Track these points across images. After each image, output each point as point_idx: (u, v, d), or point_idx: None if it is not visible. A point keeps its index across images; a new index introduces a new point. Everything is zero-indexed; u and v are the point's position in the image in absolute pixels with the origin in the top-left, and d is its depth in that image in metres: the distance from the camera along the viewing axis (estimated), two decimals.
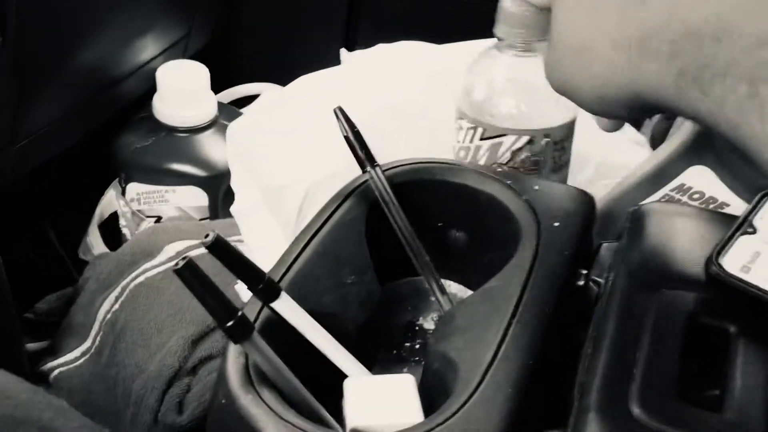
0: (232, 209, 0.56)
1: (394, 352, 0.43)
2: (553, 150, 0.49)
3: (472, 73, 0.50)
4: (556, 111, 0.48)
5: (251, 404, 0.33)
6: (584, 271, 0.42)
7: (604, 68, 0.35)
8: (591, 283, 0.41)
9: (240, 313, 0.33)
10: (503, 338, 0.36)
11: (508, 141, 0.48)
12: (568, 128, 0.49)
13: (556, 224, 0.42)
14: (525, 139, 0.48)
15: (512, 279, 0.40)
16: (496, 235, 0.44)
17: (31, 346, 0.66)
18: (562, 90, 0.38)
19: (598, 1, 0.35)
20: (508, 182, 0.44)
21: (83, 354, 0.62)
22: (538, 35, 0.45)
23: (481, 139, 0.48)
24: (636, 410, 0.33)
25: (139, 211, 0.78)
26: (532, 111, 0.47)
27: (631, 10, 0.34)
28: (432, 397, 0.37)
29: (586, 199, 0.45)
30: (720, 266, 0.37)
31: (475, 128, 0.49)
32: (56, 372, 0.62)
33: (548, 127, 0.48)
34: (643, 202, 0.46)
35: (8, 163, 0.65)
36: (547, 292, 0.39)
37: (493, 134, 0.48)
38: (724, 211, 0.46)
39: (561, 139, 0.49)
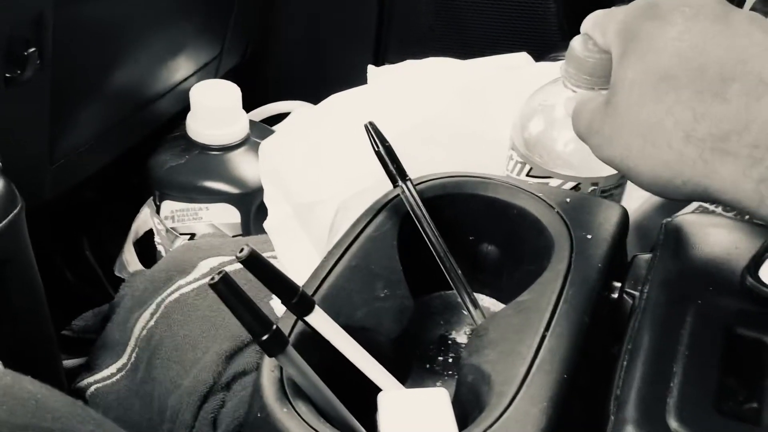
0: (266, 225, 0.57)
1: (427, 366, 0.43)
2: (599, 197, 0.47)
3: (529, 105, 0.48)
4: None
5: (286, 418, 0.34)
6: (618, 284, 0.41)
7: (672, 159, 0.33)
8: (625, 296, 0.41)
9: (275, 327, 0.33)
10: (537, 351, 0.36)
11: (554, 183, 0.47)
12: (620, 178, 0.47)
13: (589, 236, 0.42)
14: (571, 184, 0.47)
15: (545, 292, 0.39)
16: (529, 249, 0.44)
17: (68, 362, 0.66)
18: (613, 163, 0.36)
19: (670, 80, 0.33)
20: (539, 195, 0.44)
21: (119, 370, 0.62)
22: (603, 84, 0.43)
23: (528, 175, 0.47)
24: (673, 424, 0.32)
25: (173, 228, 0.78)
26: (584, 155, 0.45)
27: (708, 101, 0.32)
28: (466, 410, 0.37)
29: (618, 210, 0.45)
30: (757, 278, 0.36)
31: (523, 164, 0.48)
32: (92, 388, 0.63)
33: (597, 176, 0.46)
34: (677, 214, 0.46)
35: (47, 181, 0.66)
36: (581, 304, 0.39)
37: (539, 174, 0.47)
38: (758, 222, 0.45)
39: (609, 188, 0.47)
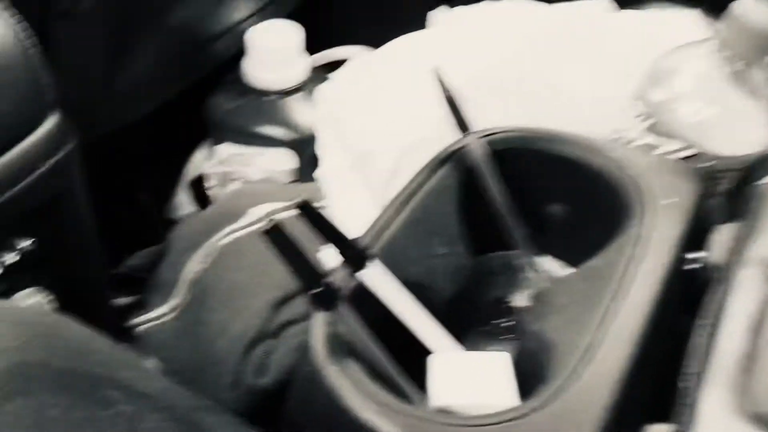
0: (319, 173, 0.55)
1: (481, 328, 0.41)
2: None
3: (667, 62, 0.46)
4: (732, 140, 0.44)
5: (336, 376, 0.32)
6: (697, 254, 0.38)
7: None
8: (705, 267, 0.38)
9: (329, 281, 0.31)
10: (605, 321, 0.34)
11: (671, 146, 0.44)
12: (734, 163, 0.44)
13: (666, 203, 0.39)
14: (688, 152, 0.44)
15: (616, 259, 0.37)
16: (599, 212, 0.41)
17: (119, 301, 0.67)
18: None
19: None
20: (615, 155, 0.41)
21: (170, 311, 0.62)
22: (754, 57, 0.42)
23: (648, 129, 0.45)
24: (756, 409, 0.30)
25: (227, 172, 0.78)
26: (711, 130, 0.42)
27: None
28: (523, 378, 0.35)
29: (698, 176, 0.41)
30: None
31: (647, 116, 0.45)
32: (142, 328, 0.63)
33: (719, 154, 0.43)
34: None
35: (102, 117, 0.66)
36: (653, 274, 0.36)
37: (661, 131, 0.44)
38: None
39: (721, 170, 0.44)
